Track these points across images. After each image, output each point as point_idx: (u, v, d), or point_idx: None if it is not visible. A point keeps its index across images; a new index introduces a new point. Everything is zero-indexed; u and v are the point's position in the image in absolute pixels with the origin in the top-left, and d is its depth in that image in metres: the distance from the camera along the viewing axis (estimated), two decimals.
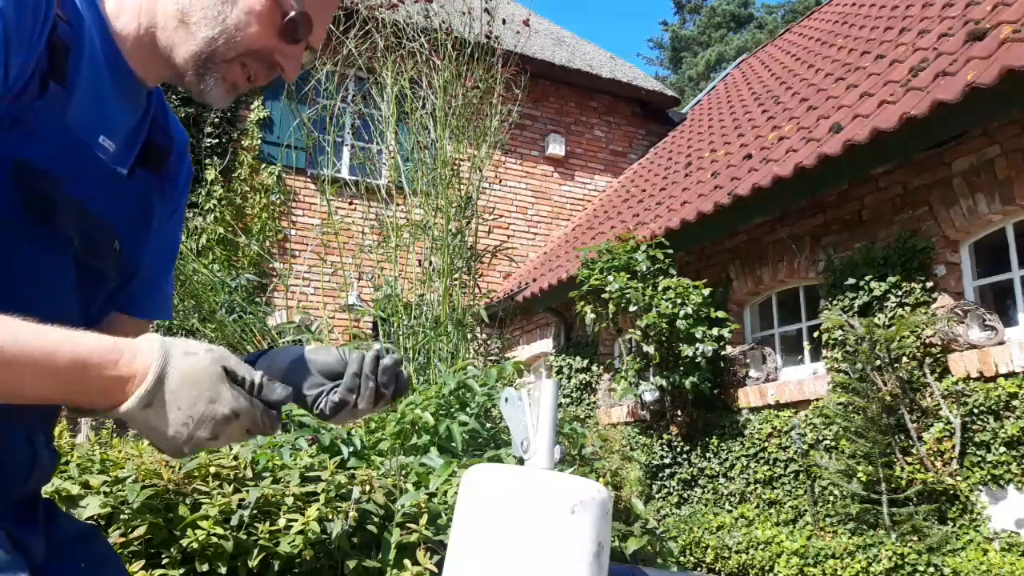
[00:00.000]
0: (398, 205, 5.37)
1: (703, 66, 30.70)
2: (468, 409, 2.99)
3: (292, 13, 0.80)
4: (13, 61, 0.67)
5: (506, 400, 0.82)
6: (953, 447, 3.91)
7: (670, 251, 5.55)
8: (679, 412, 5.74)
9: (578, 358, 7.35)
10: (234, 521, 1.85)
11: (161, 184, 0.92)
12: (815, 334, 4.86)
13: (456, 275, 5.13)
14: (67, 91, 0.74)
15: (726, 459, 5.38)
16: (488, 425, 3.07)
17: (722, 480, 5.41)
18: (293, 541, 1.85)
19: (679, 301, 5.26)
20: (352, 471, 2.17)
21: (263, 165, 8.44)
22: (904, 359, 4.16)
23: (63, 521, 0.87)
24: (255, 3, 0.79)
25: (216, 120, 8.18)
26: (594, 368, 7.19)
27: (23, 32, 0.67)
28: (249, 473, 2.07)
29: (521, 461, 0.76)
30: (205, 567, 1.78)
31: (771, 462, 5.02)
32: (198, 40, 0.79)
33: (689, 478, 5.71)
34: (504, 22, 5.71)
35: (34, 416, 0.80)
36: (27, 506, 0.80)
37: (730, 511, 5.21)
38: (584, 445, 3.36)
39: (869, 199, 4.69)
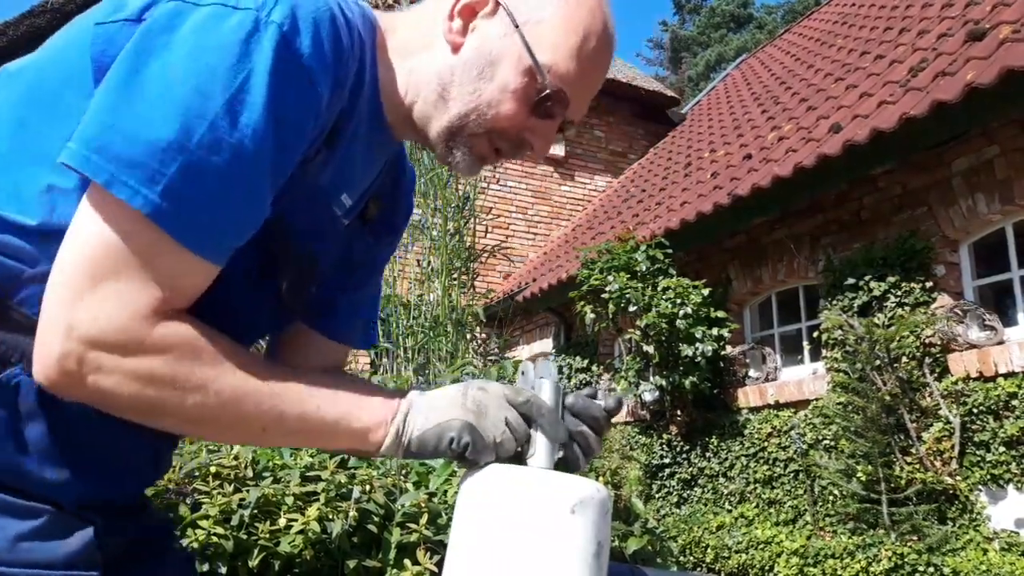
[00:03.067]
0: None
1: (703, 66, 30.71)
2: None
3: (547, 91, 0.78)
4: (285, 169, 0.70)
5: (523, 374, 0.82)
6: (952, 447, 3.92)
7: (670, 251, 5.55)
8: (679, 412, 5.74)
9: (578, 358, 7.35)
10: (234, 521, 1.85)
11: (377, 233, 0.95)
12: (815, 334, 4.86)
13: (455, 275, 5.13)
14: (331, 153, 0.76)
15: (726, 459, 5.39)
16: None
17: (722, 480, 5.41)
18: (293, 541, 1.85)
19: (679, 301, 5.26)
20: (352, 471, 2.17)
21: None
22: (904, 359, 4.16)
23: (152, 511, 0.90)
24: (511, 80, 0.78)
25: None
26: (594, 368, 7.19)
27: (293, 146, 0.70)
28: (249, 473, 2.07)
29: (521, 461, 0.76)
30: (205, 567, 1.78)
31: (771, 462, 5.02)
32: (451, 115, 0.79)
33: (689, 478, 5.71)
34: None
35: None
36: (130, 503, 0.83)
37: (730, 511, 5.21)
38: None
39: (868, 199, 4.69)
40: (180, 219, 0.62)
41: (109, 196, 0.61)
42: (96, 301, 0.62)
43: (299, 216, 0.76)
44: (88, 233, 0.63)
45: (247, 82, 0.64)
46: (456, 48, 0.79)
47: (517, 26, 0.77)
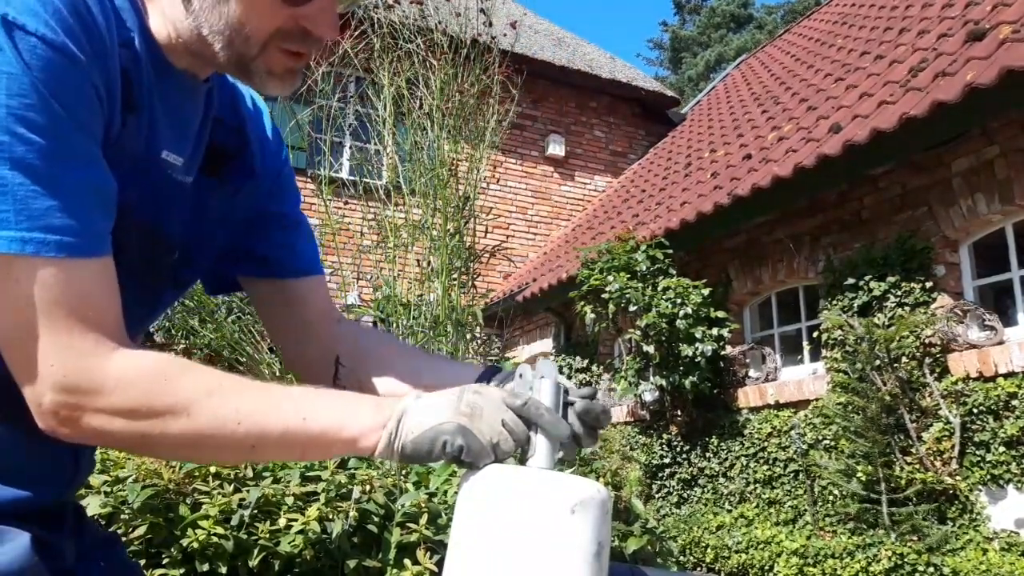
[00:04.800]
0: (396, 205, 5.37)
1: (703, 66, 30.70)
2: None
3: None
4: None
5: (519, 376, 0.81)
6: (952, 447, 3.92)
7: (670, 251, 5.55)
8: (679, 412, 5.74)
9: (578, 358, 7.35)
10: (234, 521, 1.85)
11: (231, 181, 0.91)
12: (815, 334, 4.86)
13: (455, 275, 5.13)
14: (138, 116, 0.74)
15: (726, 459, 5.38)
16: None
17: (722, 480, 5.41)
18: (293, 541, 1.85)
19: (679, 301, 5.26)
20: (352, 471, 2.17)
21: None
22: (904, 359, 4.16)
23: (91, 526, 0.89)
24: None
25: None
26: (594, 368, 7.19)
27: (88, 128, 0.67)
28: (249, 473, 2.07)
29: (522, 461, 0.76)
30: (206, 567, 1.78)
31: (771, 462, 5.02)
32: (218, 50, 0.76)
33: (689, 478, 5.71)
34: (492, 24, 5.70)
35: None
36: (60, 511, 0.81)
37: (730, 511, 5.21)
38: None
39: (868, 199, 4.69)
40: (44, 239, 0.63)
41: None
42: (45, 354, 0.64)
43: (131, 191, 0.74)
44: None
45: (11, 87, 0.61)
46: None
47: None
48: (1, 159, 0.61)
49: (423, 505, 2.01)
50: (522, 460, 0.76)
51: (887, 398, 4.12)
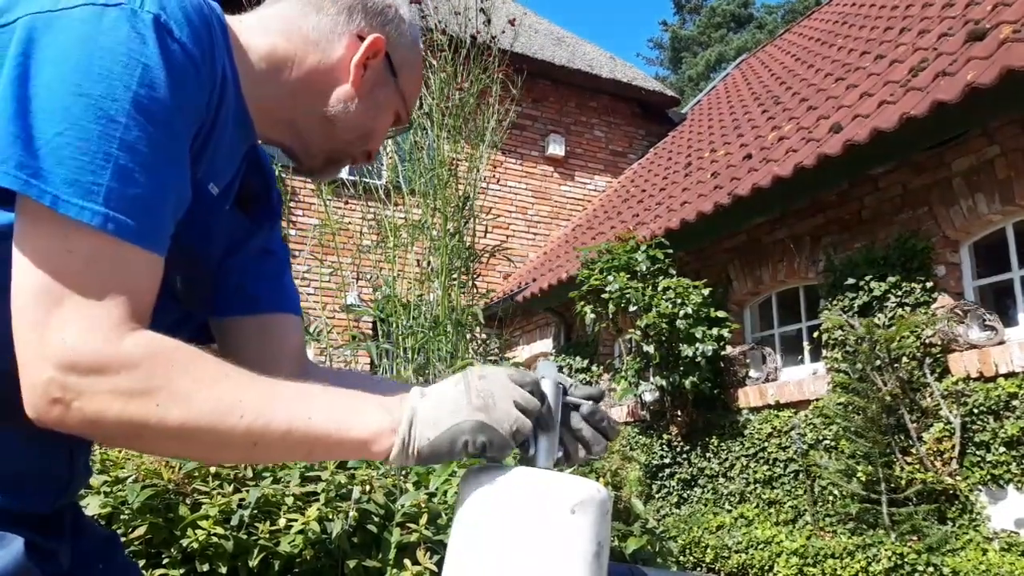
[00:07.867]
0: (396, 205, 5.36)
1: (703, 66, 30.70)
2: None
3: (402, 123, 0.93)
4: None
5: None
6: (953, 447, 3.92)
7: (670, 251, 5.55)
8: (679, 412, 5.74)
9: (578, 358, 7.35)
10: (234, 521, 1.85)
11: (254, 219, 0.96)
12: (815, 334, 4.86)
13: (455, 275, 5.12)
14: (203, 144, 0.77)
15: (726, 459, 5.38)
16: None
17: (722, 480, 5.41)
18: (293, 541, 1.85)
19: (679, 301, 5.26)
20: (352, 471, 2.17)
21: None
22: (904, 359, 4.16)
23: (89, 528, 0.88)
24: (387, 120, 0.92)
25: None
26: (594, 368, 7.19)
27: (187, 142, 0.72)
28: (249, 473, 2.07)
29: (521, 461, 0.76)
30: (205, 567, 1.78)
31: (771, 462, 5.02)
32: (337, 140, 0.90)
33: (689, 478, 5.71)
34: (491, 22, 5.69)
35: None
36: (57, 515, 0.80)
37: (730, 511, 5.21)
38: None
39: (869, 199, 4.69)
40: (126, 223, 0.64)
41: (53, 215, 0.62)
42: (61, 325, 0.62)
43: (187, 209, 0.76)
44: (38, 255, 0.63)
45: (144, 76, 0.65)
46: (356, 87, 0.88)
47: (395, 75, 0.91)
48: (113, 137, 0.63)
49: (423, 505, 2.01)
50: (522, 460, 0.76)
51: (887, 398, 4.11)
